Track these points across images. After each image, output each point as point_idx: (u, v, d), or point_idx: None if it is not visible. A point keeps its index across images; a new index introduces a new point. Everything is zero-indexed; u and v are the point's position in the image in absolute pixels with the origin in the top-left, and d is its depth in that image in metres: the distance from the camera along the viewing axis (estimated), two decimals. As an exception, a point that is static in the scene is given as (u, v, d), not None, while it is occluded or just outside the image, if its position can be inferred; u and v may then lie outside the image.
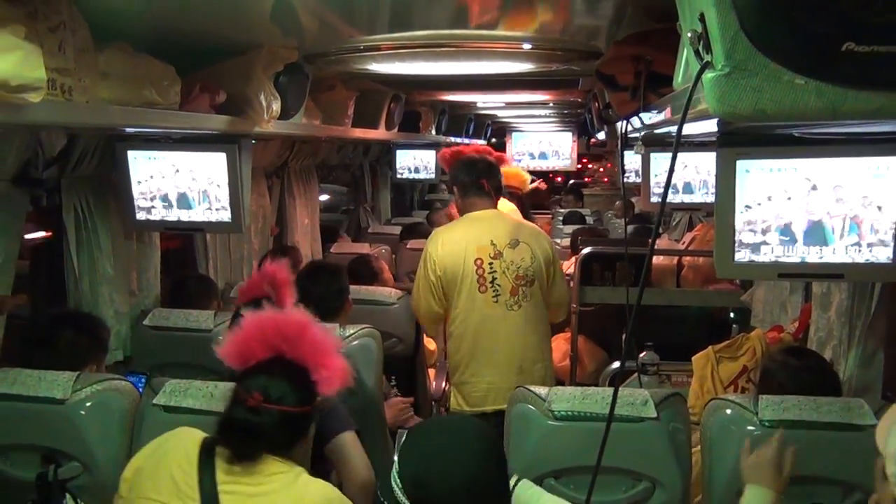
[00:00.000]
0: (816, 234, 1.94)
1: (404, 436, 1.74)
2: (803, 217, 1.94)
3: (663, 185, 3.90)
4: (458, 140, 7.58)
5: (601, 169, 9.99)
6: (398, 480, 1.57)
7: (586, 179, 10.69)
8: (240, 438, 1.74)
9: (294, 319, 1.84)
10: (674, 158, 0.99)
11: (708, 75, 0.93)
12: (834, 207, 1.91)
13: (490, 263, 3.09)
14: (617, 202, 7.57)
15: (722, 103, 0.91)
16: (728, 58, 0.89)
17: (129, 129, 2.58)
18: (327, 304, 2.91)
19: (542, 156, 8.94)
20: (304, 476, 1.74)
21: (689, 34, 0.97)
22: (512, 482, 1.74)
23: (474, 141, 7.81)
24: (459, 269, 3.11)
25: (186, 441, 1.79)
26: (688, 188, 4.01)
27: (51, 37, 1.59)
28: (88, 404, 2.16)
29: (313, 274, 3.08)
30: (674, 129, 2.20)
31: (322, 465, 2.21)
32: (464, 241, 3.13)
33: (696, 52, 0.97)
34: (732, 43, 0.88)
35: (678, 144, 0.96)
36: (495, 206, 3.27)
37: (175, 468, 1.72)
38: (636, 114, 2.08)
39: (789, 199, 1.93)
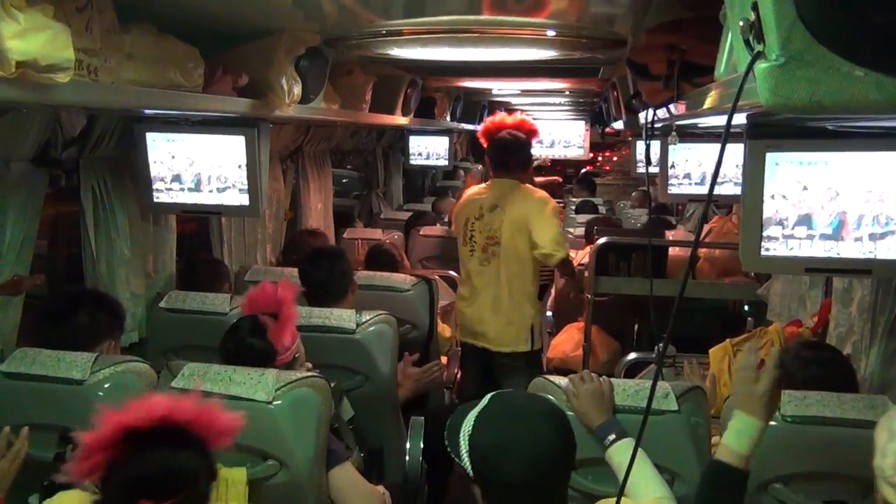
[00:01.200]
0: (845, 228, 1.91)
1: (487, 399, 1.69)
2: (832, 211, 1.91)
3: (681, 176, 3.89)
4: (472, 127, 7.55)
5: (615, 158, 9.94)
6: (467, 447, 1.60)
7: (606, 168, 10.64)
8: None
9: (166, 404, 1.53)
10: (722, 150, 0.97)
11: (760, 66, 0.90)
12: (864, 202, 1.88)
13: (473, 223, 3.70)
14: (634, 193, 7.52)
15: (775, 94, 0.88)
16: (784, 48, 0.86)
17: (148, 111, 2.56)
18: (330, 289, 2.93)
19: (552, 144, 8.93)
20: None
21: (740, 23, 0.95)
22: None
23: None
24: (457, 227, 3.83)
25: None
26: (704, 180, 3.98)
27: (78, 17, 1.58)
28: (107, 385, 2.16)
29: (314, 259, 3.09)
30: (704, 120, 2.19)
31: None
32: (466, 202, 3.81)
33: (747, 42, 0.94)
34: (789, 32, 0.85)
35: (727, 136, 0.93)
36: (520, 179, 3.71)
37: None
38: (668, 104, 2.06)
39: (818, 192, 1.90)
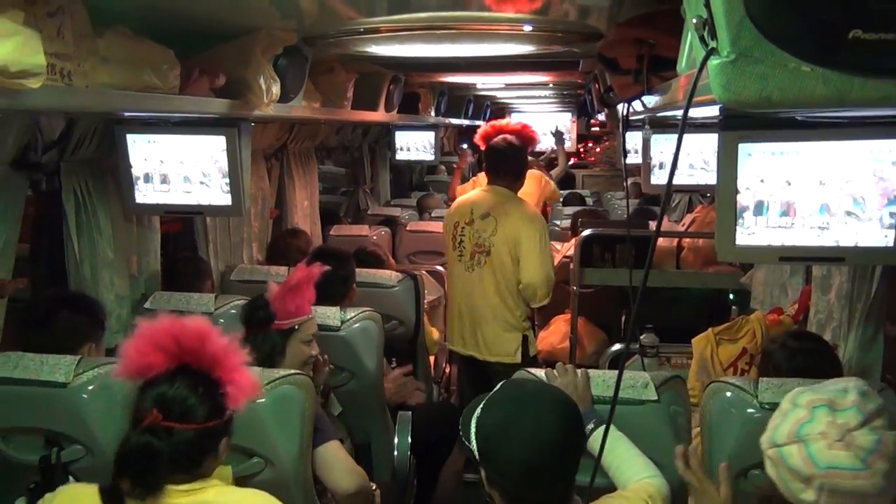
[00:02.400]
0: (818, 217, 1.93)
1: (499, 385, 1.75)
2: (805, 200, 1.93)
3: (665, 166, 3.91)
4: (457, 122, 7.56)
5: (598, 149, 9.96)
6: (474, 428, 1.65)
7: (591, 160, 10.65)
8: (137, 468, 1.55)
9: (193, 327, 1.65)
10: (678, 145, 0.98)
11: (713, 62, 0.92)
12: (835, 191, 1.90)
13: (462, 228, 3.69)
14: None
15: (727, 90, 0.90)
16: (734, 44, 0.88)
17: (128, 114, 2.56)
18: (330, 291, 2.92)
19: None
20: (215, 488, 1.65)
21: (693, 20, 0.96)
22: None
23: (475, 122, 7.81)
24: (447, 227, 3.81)
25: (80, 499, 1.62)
26: (689, 169, 4.00)
27: (49, 22, 1.58)
28: (91, 387, 2.16)
29: (320, 258, 3.10)
30: (677, 112, 2.20)
31: None
32: (457, 206, 3.82)
33: (702, 39, 0.96)
34: (738, 29, 0.87)
35: (683, 131, 0.95)
36: (509, 186, 3.69)
37: None
38: (638, 97, 2.07)
39: (791, 182, 1.92)
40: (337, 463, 2.29)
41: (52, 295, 2.52)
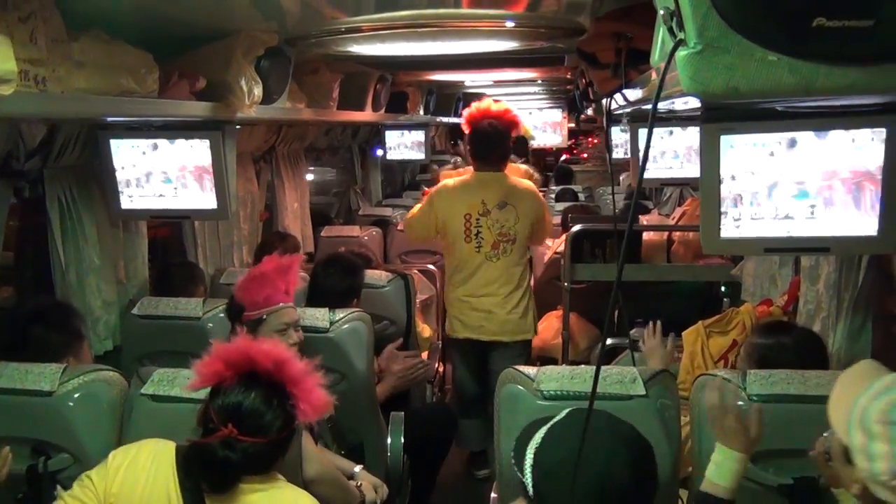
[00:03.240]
0: (802, 207, 1.93)
1: (564, 412, 1.62)
2: (788, 191, 1.92)
3: (655, 160, 3.90)
4: (447, 120, 7.55)
5: (590, 144, 9.95)
6: (531, 461, 1.52)
7: (583, 156, 10.65)
8: (212, 472, 1.66)
9: (277, 350, 1.75)
10: (649, 137, 0.98)
11: (681, 53, 0.91)
12: (819, 181, 1.90)
13: (477, 219, 3.69)
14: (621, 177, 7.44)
15: (695, 81, 0.89)
16: (700, 35, 0.87)
17: (109, 118, 2.55)
18: (331, 299, 2.95)
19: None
20: (278, 487, 1.72)
21: (662, 12, 0.96)
22: None
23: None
24: (451, 221, 3.73)
25: (162, 457, 1.74)
26: (676, 162, 3.99)
27: (21, 27, 1.57)
28: (76, 395, 2.15)
29: (328, 264, 3.15)
30: (662, 105, 2.19)
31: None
32: (458, 198, 3.74)
33: (670, 30, 0.95)
34: (704, 20, 0.86)
35: (653, 123, 0.94)
36: (499, 170, 3.78)
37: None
38: (618, 91, 2.06)
39: (773, 173, 1.91)
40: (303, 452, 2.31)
41: (22, 313, 2.40)
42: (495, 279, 3.72)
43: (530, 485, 1.49)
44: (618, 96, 2.19)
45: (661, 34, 1.28)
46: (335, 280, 3.07)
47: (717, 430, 1.82)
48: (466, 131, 3.87)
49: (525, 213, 3.70)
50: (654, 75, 1.51)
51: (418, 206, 3.96)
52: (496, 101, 3.89)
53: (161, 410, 2.15)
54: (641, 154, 3.75)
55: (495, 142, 3.75)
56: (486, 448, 4.01)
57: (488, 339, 3.77)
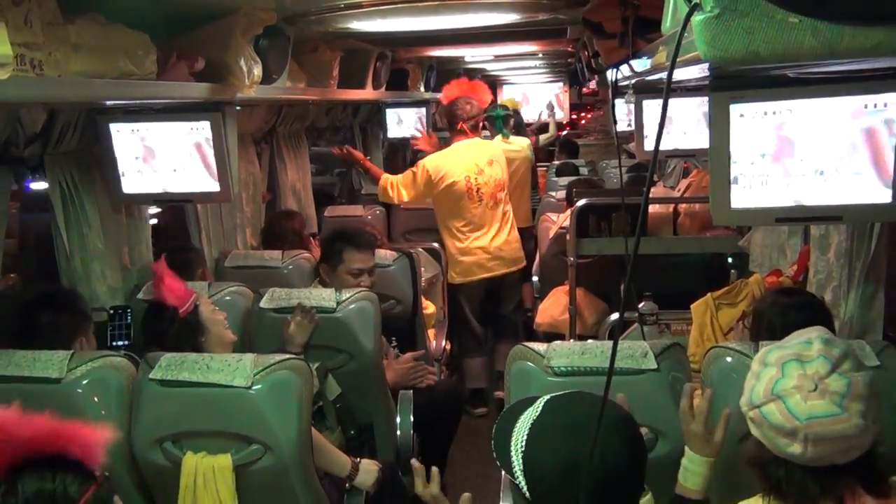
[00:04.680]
0: (813, 176, 1.89)
1: (540, 406, 1.49)
2: (799, 159, 1.89)
3: (656, 132, 3.86)
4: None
5: (588, 116, 9.86)
6: (520, 466, 1.43)
7: (582, 125, 10.56)
8: None
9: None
10: (664, 109, 0.95)
11: (697, 18, 0.88)
12: (830, 148, 1.86)
13: (476, 178, 4.35)
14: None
15: (713, 47, 0.86)
16: (717, -1, 0.84)
17: (108, 102, 2.51)
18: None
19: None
20: None
21: (675, -25, 0.92)
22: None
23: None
24: (454, 186, 4.32)
25: None
26: (682, 134, 3.95)
27: (15, 10, 1.53)
28: (85, 382, 2.15)
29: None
30: (665, 75, 2.15)
31: None
32: (455, 165, 4.35)
33: (684, -5, 0.92)
34: (722, -18, 0.83)
35: (668, 94, 0.91)
36: (473, 136, 4.49)
37: None
38: (625, 61, 2.02)
39: (784, 141, 1.88)
40: None
41: (28, 299, 2.40)
42: (495, 221, 4.44)
43: (525, 489, 1.42)
44: (624, 67, 2.15)
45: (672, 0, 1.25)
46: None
47: (685, 435, 1.82)
48: (444, 103, 4.63)
49: (507, 164, 4.55)
50: (662, 45, 1.47)
51: (402, 175, 4.51)
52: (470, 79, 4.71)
53: (170, 395, 2.14)
54: (657, 128, 3.73)
55: (464, 116, 4.44)
56: (485, 386, 4.68)
57: (501, 273, 4.49)
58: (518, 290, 4.76)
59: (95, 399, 2.15)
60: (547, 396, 1.51)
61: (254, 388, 2.11)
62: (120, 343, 2.70)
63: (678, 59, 0.95)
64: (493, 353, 4.76)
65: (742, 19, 0.84)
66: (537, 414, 1.46)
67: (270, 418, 2.12)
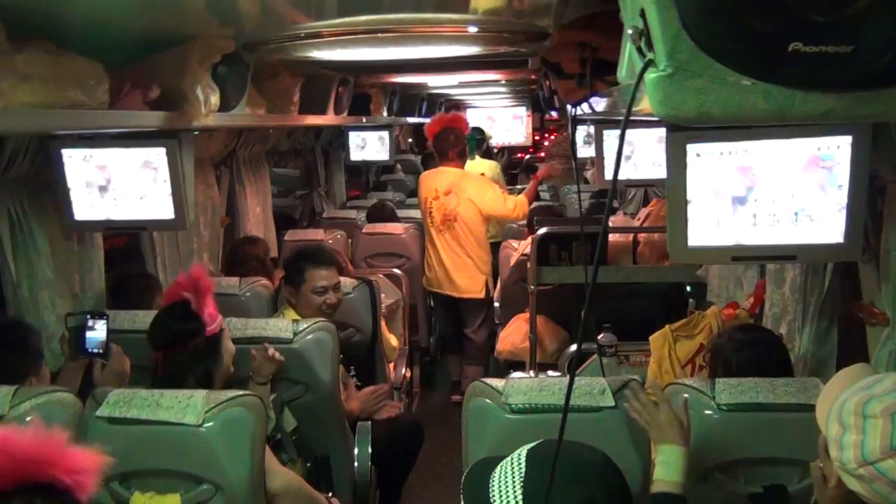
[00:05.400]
0: (768, 215, 1.92)
1: (524, 463, 1.45)
2: (754, 199, 1.91)
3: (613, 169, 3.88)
4: (412, 120, 7.49)
5: (546, 143, 9.94)
6: None
7: (540, 154, 10.64)
8: None
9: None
10: (619, 154, 0.94)
11: (650, 75, 0.88)
12: (785, 188, 1.89)
13: (432, 202, 4.88)
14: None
15: (665, 105, 0.85)
16: (670, 58, 0.83)
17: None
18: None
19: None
20: None
21: (630, 30, 0.92)
22: None
23: (427, 119, 7.81)
24: (421, 204, 5.03)
25: None
26: (642, 164, 3.97)
27: (-41, 40, 1.49)
28: (28, 419, 2.06)
29: None
30: (622, 115, 2.17)
31: None
32: (424, 186, 5.01)
33: (639, 49, 0.91)
34: (674, 42, 0.82)
35: (622, 147, 0.91)
36: (460, 165, 5.00)
37: None
38: (584, 101, 2.03)
39: (740, 181, 1.90)
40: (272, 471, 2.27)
41: None
42: (444, 247, 4.87)
43: None
44: (584, 104, 2.16)
45: (627, 49, 1.24)
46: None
47: (653, 432, 1.84)
48: (429, 139, 5.11)
49: (467, 197, 4.79)
50: (620, 92, 1.47)
51: None
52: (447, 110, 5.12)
53: (118, 433, 2.09)
54: (612, 168, 3.77)
55: (452, 143, 4.93)
56: (461, 379, 5.17)
57: (447, 293, 4.94)
58: (479, 313, 5.00)
59: (40, 436, 2.08)
60: (522, 451, 1.48)
61: (205, 425, 2.06)
62: (92, 351, 2.55)
63: (634, 111, 0.94)
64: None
65: (695, 80, 0.83)
66: (523, 470, 1.43)
67: (222, 457, 2.07)
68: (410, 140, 9.99)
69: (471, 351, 5.09)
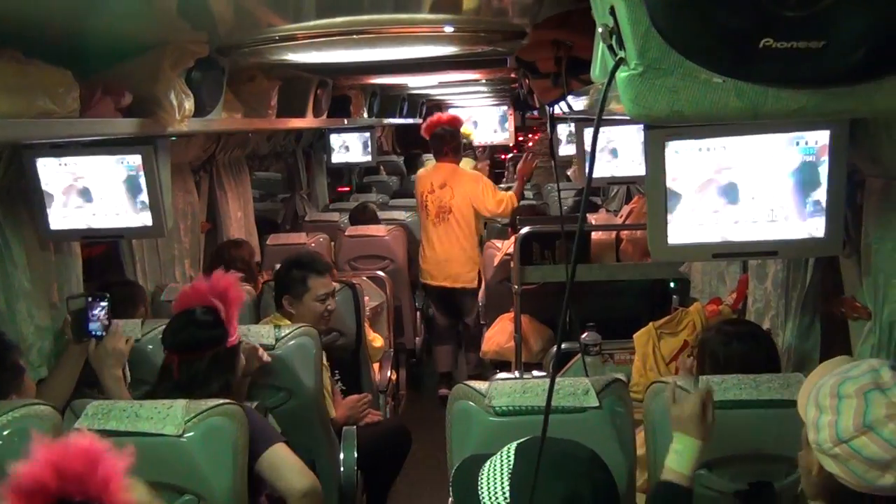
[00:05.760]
0: (749, 211, 1.91)
1: (513, 457, 1.46)
2: (734, 195, 1.90)
3: (599, 158, 3.87)
4: (393, 122, 7.47)
5: (528, 144, 9.95)
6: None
7: (528, 145, 10.64)
8: None
9: (81, 451, 1.43)
10: (592, 151, 0.92)
11: (622, 74, 0.86)
12: (765, 184, 1.88)
13: (427, 196, 5.15)
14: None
15: (637, 104, 0.84)
16: (641, 56, 0.82)
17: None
18: None
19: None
20: None
21: (600, 29, 0.90)
22: None
23: (409, 120, 7.83)
24: (418, 198, 5.29)
25: None
26: (622, 160, 3.97)
27: (-78, 50, 1.45)
28: (6, 433, 2.03)
29: None
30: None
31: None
32: (421, 181, 5.30)
33: (610, 48, 0.90)
34: (644, 40, 0.81)
35: (595, 141, 0.89)
36: (454, 161, 5.27)
37: None
38: (560, 100, 2.01)
39: (720, 177, 1.89)
40: (286, 465, 2.25)
41: None
42: (438, 239, 5.12)
43: None
44: (562, 103, 2.14)
45: (600, 48, 1.23)
46: None
47: (675, 421, 1.83)
48: (426, 137, 5.34)
49: (459, 192, 5.07)
50: (594, 90, 1.46)
51: None
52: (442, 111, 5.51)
53: (97, 446, 2.04)
54: (587, 166, 3.78)
55: (447, 140, 5.23)
56: (452, 371, 5.46)
57: (441, 284, 5.17)
58: (474, 302, 5.24)
59: (16, 451, 2.03)
60: (511, 446, 1.49)
61: (185, 435, 2.04)
62: (95, 333, 2.57)
63: (607, 110, 0.92)
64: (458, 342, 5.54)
65: (666, 78, 0.82)
66: (511, 464, 1.44)
67: (204, 467, 2.05)
68: (393, 141, 9.97)
69: (469, 339, 5.33)
